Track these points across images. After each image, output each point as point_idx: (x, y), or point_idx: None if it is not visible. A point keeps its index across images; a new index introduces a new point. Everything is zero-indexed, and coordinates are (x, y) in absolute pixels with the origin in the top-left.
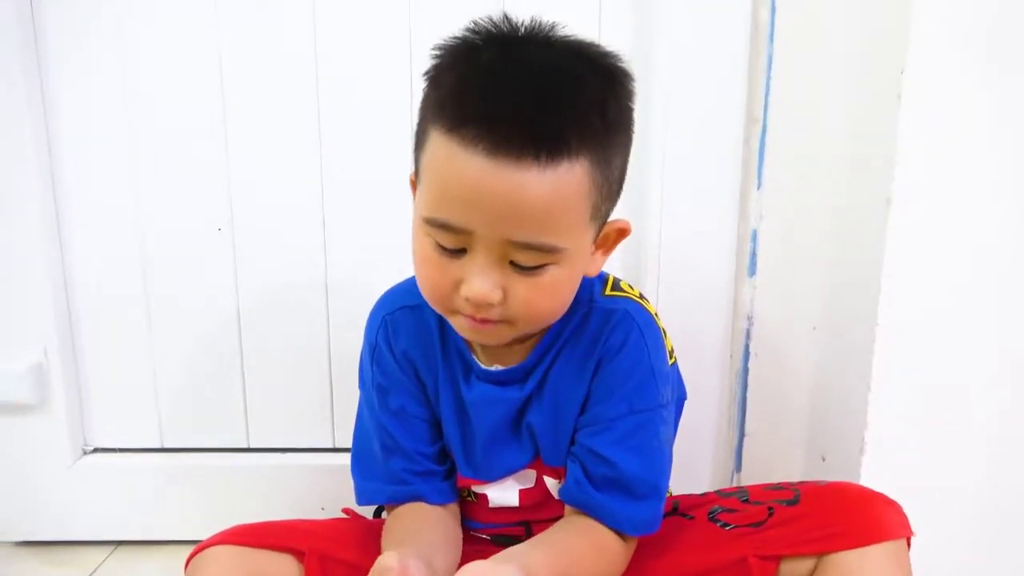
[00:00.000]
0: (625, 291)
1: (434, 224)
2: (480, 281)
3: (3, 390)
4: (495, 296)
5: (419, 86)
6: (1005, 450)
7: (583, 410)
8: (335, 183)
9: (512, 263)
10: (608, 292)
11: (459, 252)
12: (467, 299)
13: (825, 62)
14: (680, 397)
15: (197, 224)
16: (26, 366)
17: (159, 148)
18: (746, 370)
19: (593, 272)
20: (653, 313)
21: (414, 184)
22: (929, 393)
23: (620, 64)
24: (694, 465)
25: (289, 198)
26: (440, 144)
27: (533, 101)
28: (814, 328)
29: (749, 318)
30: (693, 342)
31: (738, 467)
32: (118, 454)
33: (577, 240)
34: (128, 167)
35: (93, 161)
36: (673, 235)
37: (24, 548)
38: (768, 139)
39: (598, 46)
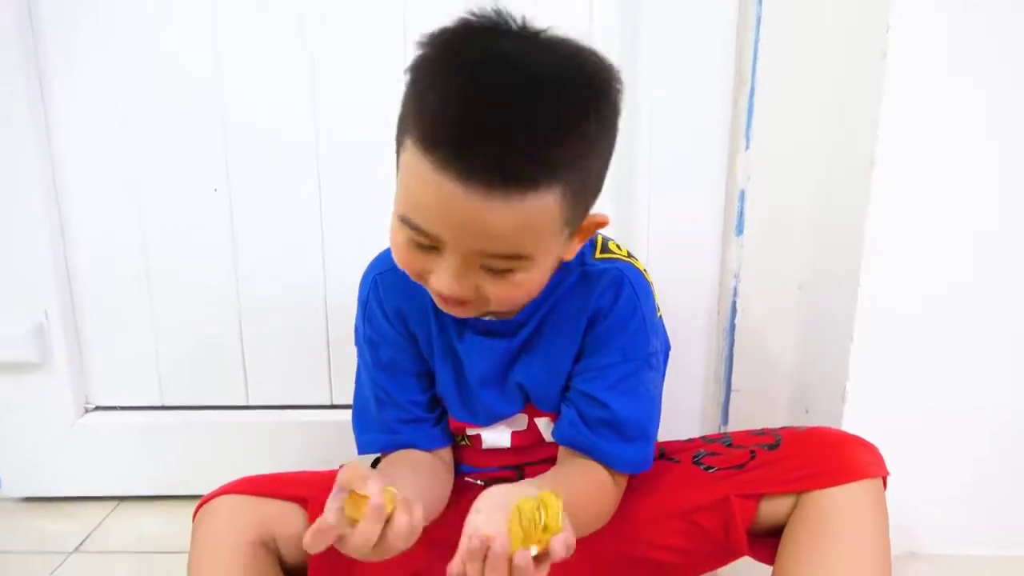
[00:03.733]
0: (614, 252)
1: (407, 224)
2: (449, 281)
3: (6, 350)
4: (465, 294)
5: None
6: (983, 401)
7: (577, 359)
8: (331, 144)
9: (483, 266)
10: (598, 255)
11: (432, 248)
12: (438, 292)
13: (813, 23)
14: (667, 348)
15: (194, 184)
16: (28, 327)
17: (155, 108)
18: (733, 327)
19: (569, 256)
20: (642, 269)
21: (396, 153)
22: (909, 346)
23: (606, 70)
24: (682, 419)
25: (284, 160)
26: (414, 156)
27: (512, 133)
28: (799, 286)
29: (736, 276)
30: (681, 300)
31: (724, 421)
32: (119, 412)
33: (548, 247)
34: (125, 128)
35: (90, 124)
36: (661, 196)
37: (29, 504)
38: (756, 100)
39: (587, 51)
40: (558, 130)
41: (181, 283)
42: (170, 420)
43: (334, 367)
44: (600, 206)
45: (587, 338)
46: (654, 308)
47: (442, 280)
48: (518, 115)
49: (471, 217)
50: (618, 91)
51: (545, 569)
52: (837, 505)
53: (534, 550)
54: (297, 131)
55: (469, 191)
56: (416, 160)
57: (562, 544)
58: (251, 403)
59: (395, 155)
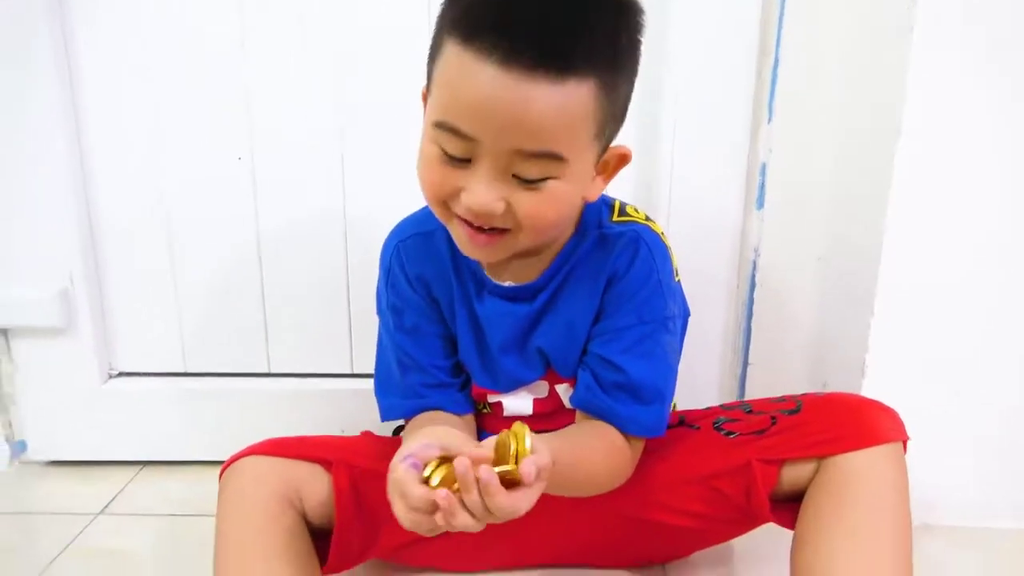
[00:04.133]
0: (631, 215)
1: (443, 128)
2: (483, 190)
3: (32, 315)
4: (497, 207)
5: (436, 11)
6: (1004, 375)
7: (595, 323)
8: (355, 112)
9: (515, 176)
10: (616, 218)
11: (463, 162)
12: (468, 208)
13: None
14: (685, 313)
15: (217, 153)
16: (53, 292)
17: (179, 75)
18: (751, 301)
19: (593, 196)
20: (659, 232)
21: (425, 97)
22: (930, 319)
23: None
24: (699, 391)
25: (308, 128)
26: (454, 54)
27: (549, 17)
28: (819, 259)
29: (756, 250)
30: (700, 274)
31: (741, 394)
32: (143, 378)
33: (580, 154)
34: (150, 95)
35: (115, 89)
36: (683, 168)
37: (54, 467)
38: (780, 72)
39: None
40: (593, 30)
41: (204, 250)
42: (193, 387)
43: (355, 336)
44: (623, 175)
45: (604, 301)
46: (671, 271)
47: (473, 193)
48: (555, 8)
49: (512, 101)
50: (643, 19)
51: (519, 494)
52: (858, 469)
53: (504, 469)
54: (320, 98)
55: (510, 75)
56: (456, 55)
57: (531, 465)
58: (273, 371)
59: (427, 75)
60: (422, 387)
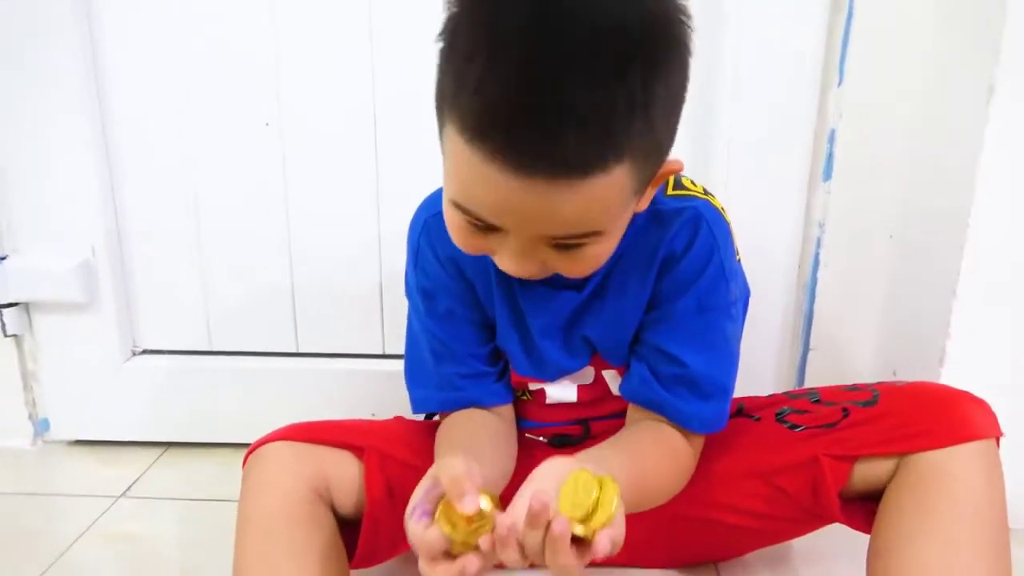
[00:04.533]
0: (689, 188)
1: (461, 210)
2: (514, 264)
3: (53, 288)
4: (532, 273)
5: None
6: None
7: (648, 309)
8: (387, 78)
9: (550, 244)
10: (671, 192)
11: (491, 229)
12: (504, 270)
13: None
14: (746, 295)
15: (244, 120)
16: (74, 264)
17: (207, 41)
18: (815, 280)
19: (641, 208)
20: (720, 208)
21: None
22: (1020, 303)
23: (671, 10)
24: (753, 380)
25: (338, 95)
26: (458, 145)
27: (565, 112)
28: (891, 236)
29: (821, 225)
30: (760, 250)
31: (800, 383)
32: (167, 356)
33: (620, 217)
34: (176, 62)
35: (140, 57)
36: (743, 134)
37: (78, 447)
38: (853, 28)
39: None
40: (616, 104)
41: (230, 223)
42: (219, 365)
43: (387, 315)
44: (676, 148)
45: (659, 285)
46: (733, 252)
47: (506, 262)
48: (572, 93)
49: (532, 207)
50: (686, 53)
51: (583, 558)
52: (948, 468)
53: (579, 530)
54: (352, 64)
55: (528, 183)
56: (460, 149)
57: (607, 539)
58: (301, 350)
59: (437, 126)
60: (458, 378)
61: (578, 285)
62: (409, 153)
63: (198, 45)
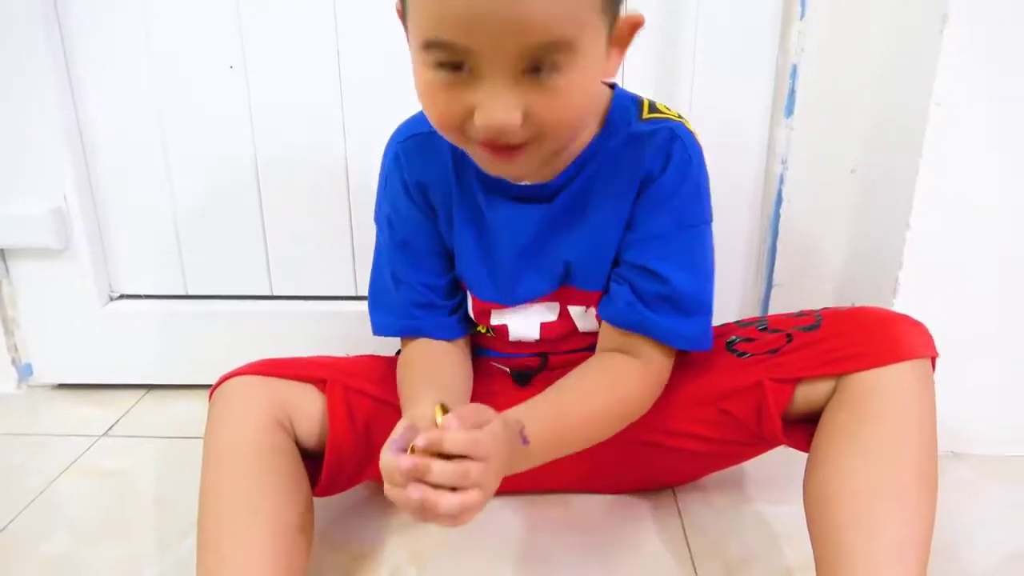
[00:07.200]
0: (663, 112)
1: (434, 46)
2: (497, 104)
3: (27, 234)
4: (515, 119)
5: None
6: None
7: (627, 229)
8: (349, 12)
9: (525, 76)
10: (646, 115)
11: (464, 73)
12: (485, 128)
13: None
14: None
15: (209, 63)
16: (46, 209)
17: None
18: (777, 217)
19: (611, 72)
20: (693, 131)
21: (401, 13)
22: (969, 236)
23: None
24: (718, 316)
25: (301, 34)
26: None
27: None
28: (853, 171)
29: (783, 162)
30: (722, 187)
31: None
32: (144, 300)
33: (589, 33)
34: (139, 5)
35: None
36: (706, 69)
37: (62, 391)
38: None
39: None
40: None
41: (200, 167)
42: (195, 309)
43: (359, 257)
44: (641, 80)
45: (638, 205)
46: (706, 173)
47: (487, 110)
48: None
49: (500, 11)
50: None
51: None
52: (880, 386)
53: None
54: (316, 9)
55: None
56: None
57: (451, 418)
58: (275, 293)
59: (399, 1)
60: (412, 306)
61: (547, 199)
62: (376, 96)
63: None
